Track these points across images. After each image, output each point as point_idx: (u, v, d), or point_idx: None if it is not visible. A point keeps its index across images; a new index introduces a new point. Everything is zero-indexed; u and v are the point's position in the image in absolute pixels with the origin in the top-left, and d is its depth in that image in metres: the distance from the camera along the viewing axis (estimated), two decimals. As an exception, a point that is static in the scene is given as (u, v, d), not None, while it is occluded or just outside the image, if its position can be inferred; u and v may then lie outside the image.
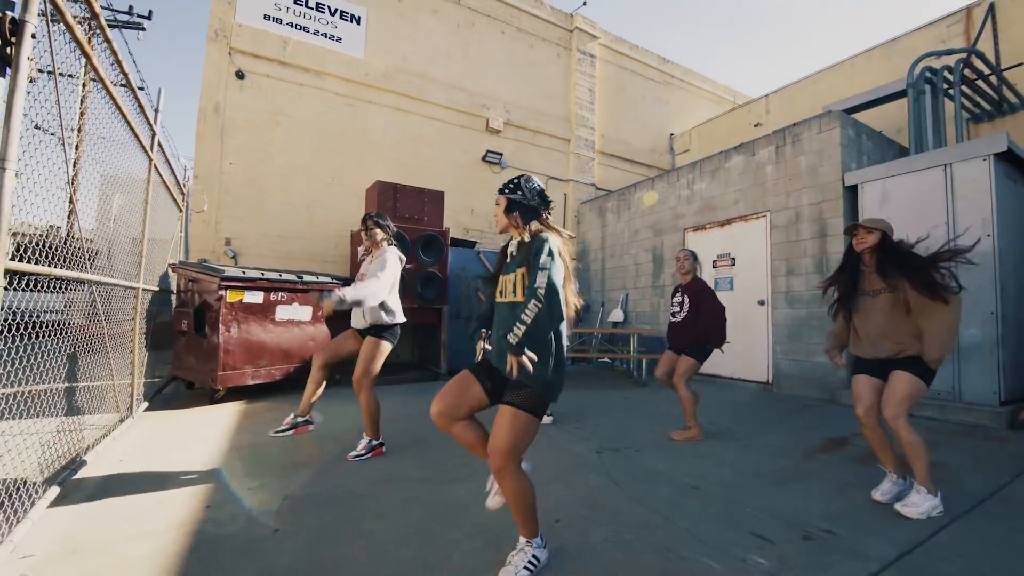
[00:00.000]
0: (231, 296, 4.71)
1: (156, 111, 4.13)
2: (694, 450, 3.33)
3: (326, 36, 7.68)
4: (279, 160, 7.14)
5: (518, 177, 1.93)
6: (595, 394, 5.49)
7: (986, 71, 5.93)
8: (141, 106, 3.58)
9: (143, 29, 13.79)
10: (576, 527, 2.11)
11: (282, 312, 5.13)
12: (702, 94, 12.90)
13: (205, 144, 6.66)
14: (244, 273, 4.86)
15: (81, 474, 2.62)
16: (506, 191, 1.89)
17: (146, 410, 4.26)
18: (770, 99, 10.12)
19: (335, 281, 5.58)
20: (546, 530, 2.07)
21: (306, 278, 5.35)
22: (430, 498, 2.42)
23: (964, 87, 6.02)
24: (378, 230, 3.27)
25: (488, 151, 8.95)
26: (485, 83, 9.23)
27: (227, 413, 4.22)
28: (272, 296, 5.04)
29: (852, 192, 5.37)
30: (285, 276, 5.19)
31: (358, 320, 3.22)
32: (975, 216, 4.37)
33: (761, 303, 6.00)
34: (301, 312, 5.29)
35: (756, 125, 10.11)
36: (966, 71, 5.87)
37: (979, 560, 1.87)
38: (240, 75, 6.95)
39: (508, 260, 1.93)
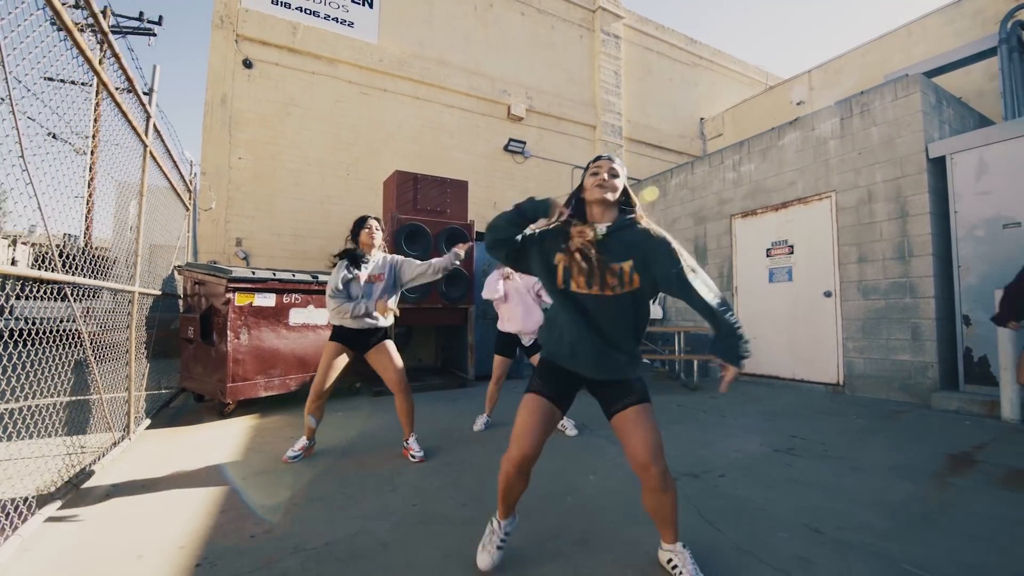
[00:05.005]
0: (240, 299, 4.25)
1: (151, 91, 3.68)
2: (789, 474, 2.73)
3: (337, 21, 7.22)
4: (291, 153, 6.69)
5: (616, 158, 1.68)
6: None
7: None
8: (130, 81, 3.11)
9: (154, 35, 13.60)
10: (686, 600, 1.56)
11: (296, 316, 4.66)
12: (733, 76, 12.15)
13: (212, 138, 6.24)
14: (254, 273, 4.40)
15: (65, 509, 2.17)
16: (619, 167, 1.65)
17: (148, 427, 3.82)
18: (812, 75, 9.35)
19: (353, 280, 5.09)
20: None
21: (322, 278, 4.87)
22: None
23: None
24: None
25: (511, 140, 8.40)
26: (505, 68, 8.68)
27: (237, 430, 3.76)
28: (285, 298, 4.58)
29: (937, 165, 4.68)
30: (299, 276, 4.72)
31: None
32: (1106, 185, 3.67)
33: (828, 294, 5.32)
34: (317, 316, 4.81)
35: (799, 103, 9.35)
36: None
37: None
38: (248, 64, 6.53)
39: (596, 248, 1.59)
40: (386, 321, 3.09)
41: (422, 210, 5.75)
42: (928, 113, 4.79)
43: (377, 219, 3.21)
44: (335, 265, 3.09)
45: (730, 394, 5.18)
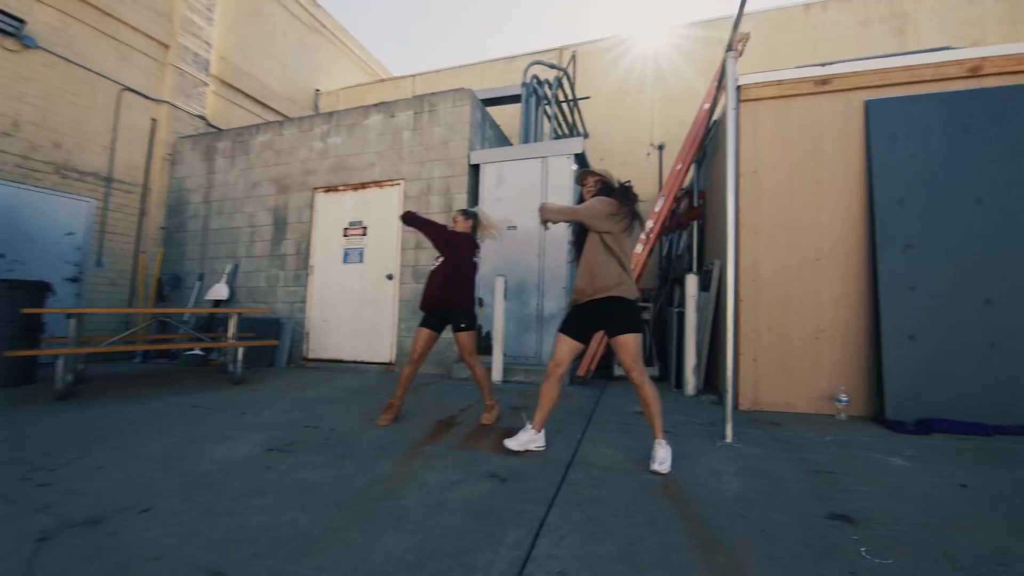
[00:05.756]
0: None
1: None
2: (259, 482, 2.21)
3: None
4: None
5: None
6: (139, 407, 3.62)
7: (570, 96, 7.31)
8: None
9: None
10: None
11: None
12: (353, 58, 11.99)
13: None
14: None
15: None
16: None
17: None
18: (417, 80, 10.17)
19: None
20: None
21: None
22: None
23: (556, 105, 7.23)
24: None
25: (-16, 7, 5.23)
26: None
27: None
28: None
29: (475, 170, 5.50)
30: None
31: None
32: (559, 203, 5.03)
33: (390, 277, 5.51)
34: None
35: (404, 101, 9.93)
36: (559, 92, 7.05)
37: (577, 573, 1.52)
38: None
39: None
40: None
41: None
42: (475, 126, 5.57)
43: None
44: None
45: (281, 383, 4.59)
